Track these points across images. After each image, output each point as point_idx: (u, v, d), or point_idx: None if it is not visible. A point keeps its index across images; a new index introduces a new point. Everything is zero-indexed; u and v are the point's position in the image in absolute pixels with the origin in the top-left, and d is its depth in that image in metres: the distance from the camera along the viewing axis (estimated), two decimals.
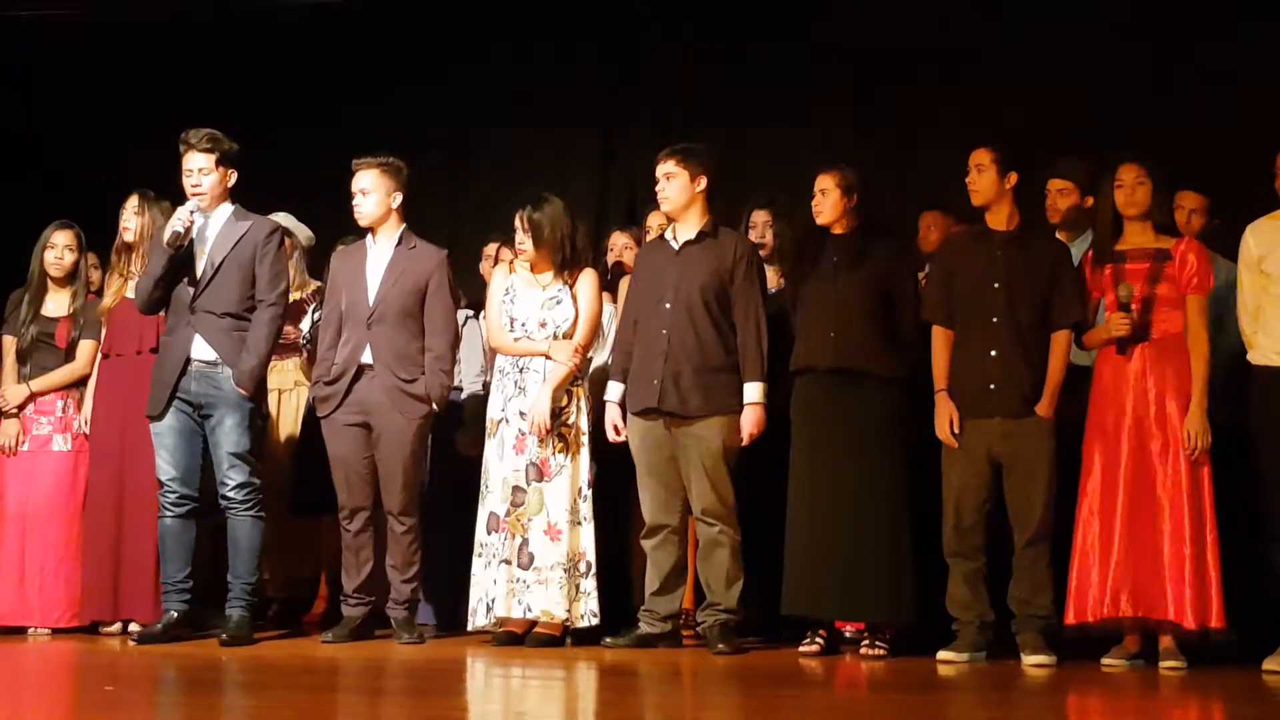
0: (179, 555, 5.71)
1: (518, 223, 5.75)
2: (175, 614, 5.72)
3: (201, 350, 5.67)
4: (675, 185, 5.63)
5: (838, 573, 5.33)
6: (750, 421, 5.49)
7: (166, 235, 5.63)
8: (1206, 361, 5.18)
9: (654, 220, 6.17)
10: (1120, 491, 5.16)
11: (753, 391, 5.50)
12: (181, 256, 5.68)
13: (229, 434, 5.66)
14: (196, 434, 5.72)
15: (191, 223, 5.65)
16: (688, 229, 5.67)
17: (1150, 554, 5.11)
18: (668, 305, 5.59)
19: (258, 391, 5.72)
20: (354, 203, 5.83)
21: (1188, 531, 5.08)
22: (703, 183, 5.64)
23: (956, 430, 5.34)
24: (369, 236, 5.90)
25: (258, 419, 5.76)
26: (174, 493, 5.69)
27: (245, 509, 5.70)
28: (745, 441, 5.50)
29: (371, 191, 5.80)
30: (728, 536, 5.51)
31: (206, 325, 5.67)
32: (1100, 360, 5.32)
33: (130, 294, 6.01)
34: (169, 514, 5.71)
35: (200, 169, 5.71)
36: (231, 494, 5.68)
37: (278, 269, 5.78)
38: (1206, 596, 5.05)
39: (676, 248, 5.67)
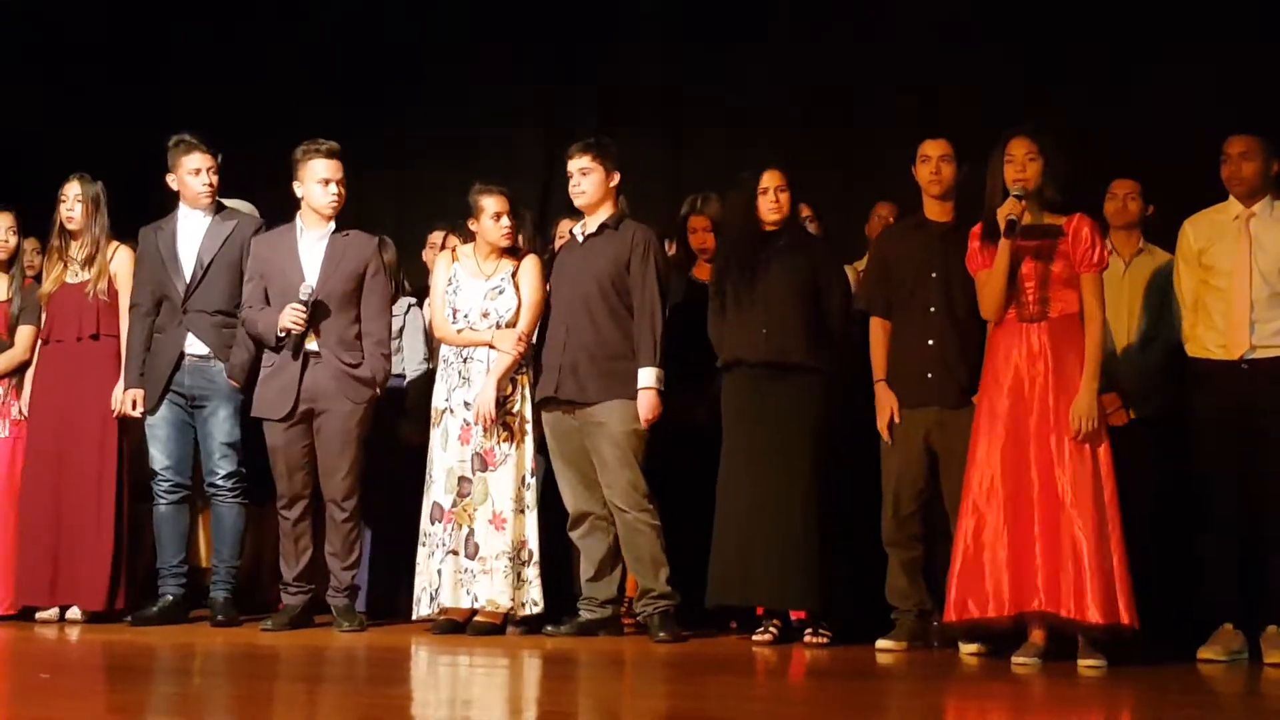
0: (174, 541, 5.96)
1: (506, 216, 5.66)
2: (171, 598, 5.93)
3: (195, 346, 5.88)
4: (591, 180, 5.64)
5: (753, 560, 5.33)
6: (645, 406, 5.48)
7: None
8: (1100, 342, 4.92)
9: None
10: (1006, 479, 4.87)
11: (646, 376, 5.49)
12: (164, 258, 5.88)
13: (221, 425, 5.86)
14: (188, 425, 5.94)
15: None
16: (595, 223, 5.68)
17: (1036, 545, 4.82)
18: (566, 296, 5.61)
19: (247, 384, 5.85)
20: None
21: (1078, 522, 4.77)
22: (616, 177, 5.66)
23: (898, 420, 5.37)
24: (297, 221, 5.86)
25: (244, 411, 5.88)
26: (167, 481, 5.92)
27: (233, 496, 5.91)
28: (643, 425, 5.50)
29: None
30: (644, 522, 5.50)
31: (198, 323, 5.88)
32: (993, 337, 5.06)
33: (70, 279, 6.03)
34: (163, 501, 5.93)
35: (209, 168, 5.90)
36: (221, 481, 5.89)
37: None
38: (1104, 589, 4.74)
39: (581, 241, 5.69)
